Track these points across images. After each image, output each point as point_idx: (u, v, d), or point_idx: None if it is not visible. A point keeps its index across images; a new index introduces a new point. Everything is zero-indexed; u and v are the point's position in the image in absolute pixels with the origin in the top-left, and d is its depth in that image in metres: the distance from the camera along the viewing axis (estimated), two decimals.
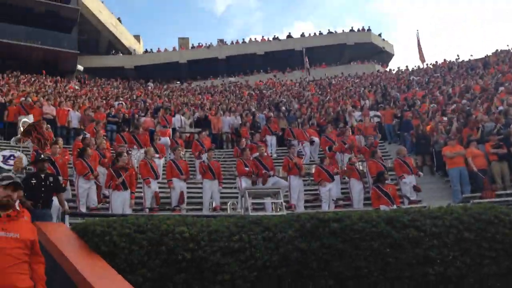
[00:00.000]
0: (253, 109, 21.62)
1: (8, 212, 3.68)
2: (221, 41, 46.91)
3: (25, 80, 27.12)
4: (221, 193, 11.86)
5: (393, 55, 49.93)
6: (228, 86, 33.83)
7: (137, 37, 49.38)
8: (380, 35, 47.97)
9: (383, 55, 47.40)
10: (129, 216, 6.20)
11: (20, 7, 32.20)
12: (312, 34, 46.50)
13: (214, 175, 11.49)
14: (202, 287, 5.42)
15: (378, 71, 38.98)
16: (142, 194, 10.75)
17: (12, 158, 12.52)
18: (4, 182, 3.65)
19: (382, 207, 9.34)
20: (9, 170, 11.79)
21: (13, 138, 15.62)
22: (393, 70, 37.14)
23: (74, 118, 17.25)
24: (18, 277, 3.55)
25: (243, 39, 45.88)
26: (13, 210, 3.73)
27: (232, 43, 45.82)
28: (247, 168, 11.82)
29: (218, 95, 28.44)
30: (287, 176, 12.28)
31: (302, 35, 46.12)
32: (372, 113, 19.48)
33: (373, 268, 5.69)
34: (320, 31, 47.10)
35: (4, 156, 12.22)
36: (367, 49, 45.48)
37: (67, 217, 7.72)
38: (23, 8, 32.35)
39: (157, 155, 12.43)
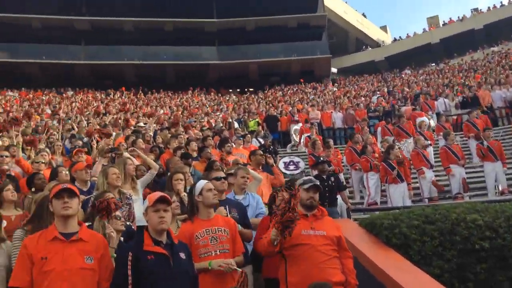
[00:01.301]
0: None
1: (313, 212, 4.03)
2: (475, 10, 42.77)
3: (288, 91, 29.79)
4: (506, 174, 10.73)
5: None
6: (492, 57, 30.53)
7: (383, 28, 49.00)
8: None
9: None
10: (414, 208, 6.10)
11: (276, 26, 35.60)
12: None
13: (496, 156, 10.45)
14: (507, 278, 4.98)
15: None
16: (418, 184, 10.52)
17: (291, 163, 13.81)
18: (306, 186, 4.01)
19: None
20: (291, 175, 13.03)
21: (288, 145, 17.27)
22: None
23: (337, 118, 18.01)
24: (331, 272, 3.81)
25: (501, 1, 40.54)
26: (318, 210, 4.06)
27: (488, 9, 41.23)
28: None
29: (481, 69, 25.93)
30: None
31: None
32: None
33: None
34: None
35: (285, 163, 13.54)
36: None
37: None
38: (278, 27, 35.66)
39: (428, 143, 11.99)
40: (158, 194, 3.35)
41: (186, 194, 5.10)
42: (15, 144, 7.97)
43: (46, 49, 33.33)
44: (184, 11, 33.58)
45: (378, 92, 23.92)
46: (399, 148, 10.92)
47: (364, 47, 43.60)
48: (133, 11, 33.33)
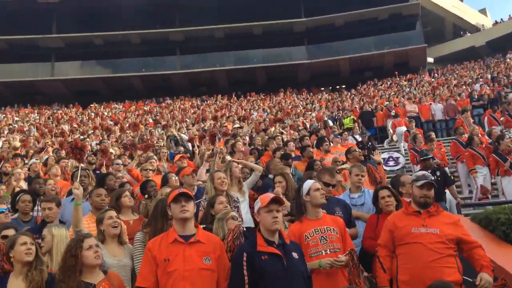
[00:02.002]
0: None
1: (428, 209, 3.89)
2: None
3: (381, 85, 28.96)
4: None
5: None
6: None
7: (482, 11, 45.97)
8: None
9: None
10: None
11: (366, 19, 34.87)
12: None
13: None
14: None
15: None
16: None
17: (390, 159, 13.40)
18: (420, 183, 3.88)
19: None
20: (391, 171, 12.65)
21: (386, 141, 16.80)
22: None
23: (437, 110, 17.23)
24: (445, 271, 3.67)
25: None
26: (433, 206, 3.91)
27: None
28: None
29: None
30: None
31: None
32: None
33: None
34: None
35: (383, 159, 13.15)
36: None
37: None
38: (369, 20, 34.91)
39: None
40: (270, 195, 3.42)
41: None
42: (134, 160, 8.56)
43: (145, 62, 35.48)
44: (272, 13, 33.96)
45: (480, 80, 22.50)
46: (510, 138, 10.18)
47: (462, 33, 41.17)
48: (223, 18, 34.28)
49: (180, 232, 3.36)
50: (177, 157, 8.74)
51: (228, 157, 7.10)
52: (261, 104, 25.30)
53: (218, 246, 3.43)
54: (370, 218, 4.72)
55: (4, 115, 26.26)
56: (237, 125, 15.11)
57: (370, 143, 12.14)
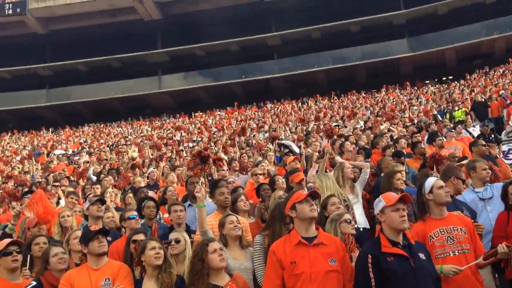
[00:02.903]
0: None
1: None
2: None
3: (494, 73, 26.96)
4: None
5: None
6: None
7: None
8: None
9: None
10: None
11: (472, 4, 32.73)
12: None
13: None
14: None
15: None
16: None
17: (511, 152, 12.40)
18: None
19: None
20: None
21: (503, 132, 15.57)
22: None
23: None
24: None
25: None
26: None
27: None
28: None
29: None
30: None
31: None
32: None
33: None
34: None
35: (503, 152, 12.19)
36: None
37: None
38: (475, 5, 32.69)
39: None
40: (395, 194, 3.32)
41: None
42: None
43: (244, 69, 36.37)
44: (369, 8, 33.14)
45: None
46: None
47: None
48: (319, 19, 34.07)
49: (303, 234, 3.38)
50: (290, 159, 8.69)
51: (338, 158, 7.00)
52: (363, 102, 24.72)
53: (340, 247, 3.42)
54: (499, 216, 4.38)
55: (120, 128, 28.38)
56: (335, 124, 14.89)
57: (492, 135, 11.21)
